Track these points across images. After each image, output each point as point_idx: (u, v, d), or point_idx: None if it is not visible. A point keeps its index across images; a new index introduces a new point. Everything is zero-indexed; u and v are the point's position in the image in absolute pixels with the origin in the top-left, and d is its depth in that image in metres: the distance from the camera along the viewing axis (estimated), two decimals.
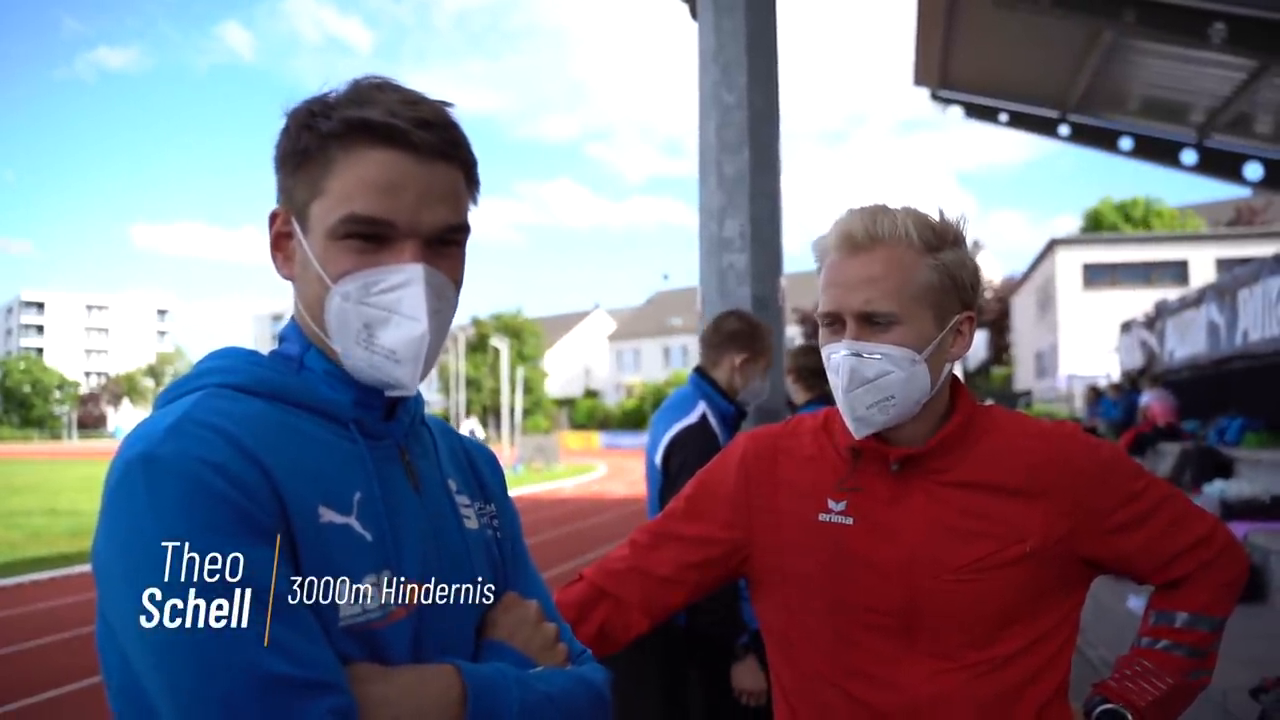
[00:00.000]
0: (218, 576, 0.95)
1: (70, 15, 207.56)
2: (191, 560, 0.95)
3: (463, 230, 1.20)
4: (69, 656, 7.87)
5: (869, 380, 1.58)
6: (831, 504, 1.68)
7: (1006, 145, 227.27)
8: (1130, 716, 1.67)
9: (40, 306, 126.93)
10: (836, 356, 1.60)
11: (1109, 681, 1.72)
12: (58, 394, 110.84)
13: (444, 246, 1.18)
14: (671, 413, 3.60)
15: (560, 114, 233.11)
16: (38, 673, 7.36)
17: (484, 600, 1.23)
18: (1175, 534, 1.70)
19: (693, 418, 3.54)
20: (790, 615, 1.72)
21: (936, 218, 1.63)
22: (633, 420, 63.00)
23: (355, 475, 1.13)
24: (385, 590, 1.10)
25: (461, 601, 1.20)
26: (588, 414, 69.47)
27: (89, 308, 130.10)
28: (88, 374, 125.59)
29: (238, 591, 0.96)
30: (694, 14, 5.04)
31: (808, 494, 1.71)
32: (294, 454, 1.08)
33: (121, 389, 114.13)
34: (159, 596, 0.94)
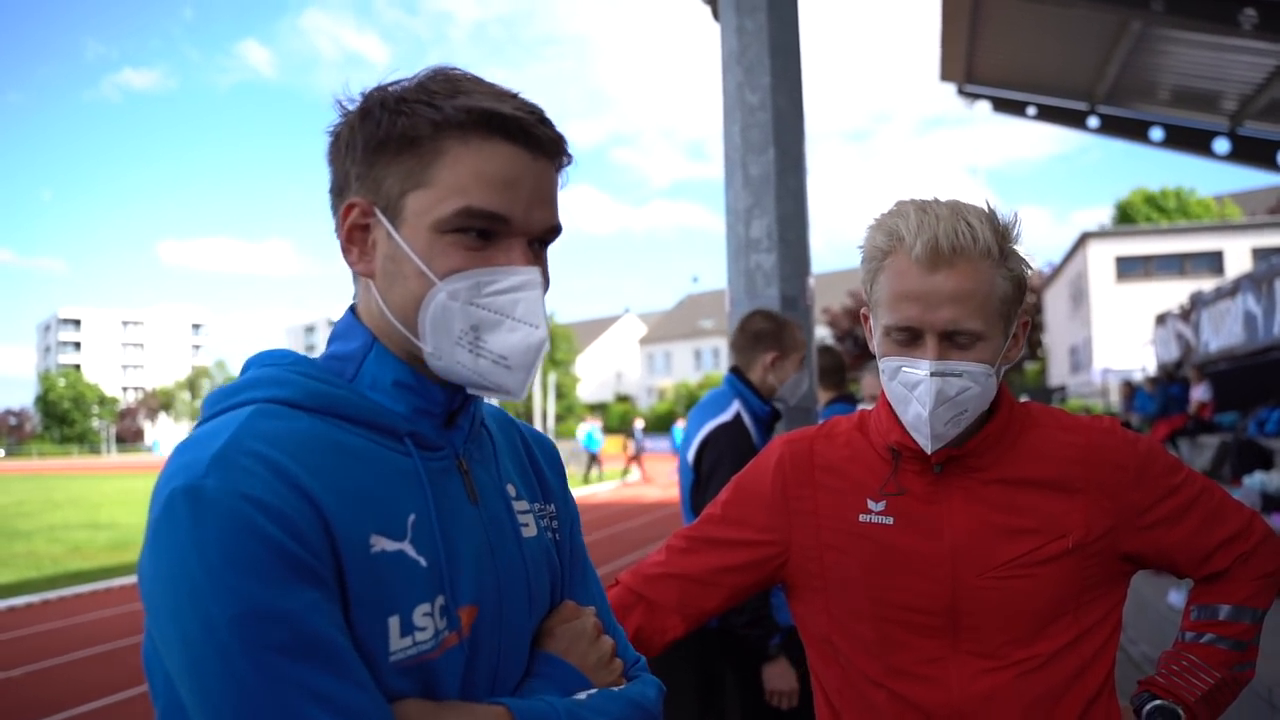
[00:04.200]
0: (262, 625, 0.91)
1: (93, 38, 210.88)
2: (236, 607, 0.90)
3: (559, 232, 1.17)
4: (111, 669, 7.96)
5: (950, 398, 1.55)
6: (871, 504, 1.67)
7: (1030, 140, 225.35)
8: (1181, 712, 1.65)
9: (77, 323, 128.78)
10: (915, 375, 1.55)
11: (1156, 677, 1.71)
12: (97, 409, 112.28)
13: (541, 249, 1.15)
14: (706, 411, 3.61)
15: (584, 120, 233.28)
16: (81, 685, 7.45)
17: (535, 613, 1.20)
18: (1213, 527, 1.68)
19: (726, 416, 3.54)
20: (832, 618, 1.72)
21: (1000, 219, 1.58)
22: (665, 424, 62.85)
23: (410, 495, 1.08)
24: (438, 619, 1.06)
25: (515, 620, 1.17)
26: (620, 418, 69.42)
27: (124, 323, 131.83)
28: (125, 389, 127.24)
29: (282, 640, 0.91)
30: (716, 16, 5.04)
31: (847, 496, 1.70)
32: (346, 479, 1.03)
33: (158, 403, 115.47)
34: (201, 642, 0.91)
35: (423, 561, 1.06)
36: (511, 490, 1.24)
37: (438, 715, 1.03)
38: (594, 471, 32.63)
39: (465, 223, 1.07)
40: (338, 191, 1.15)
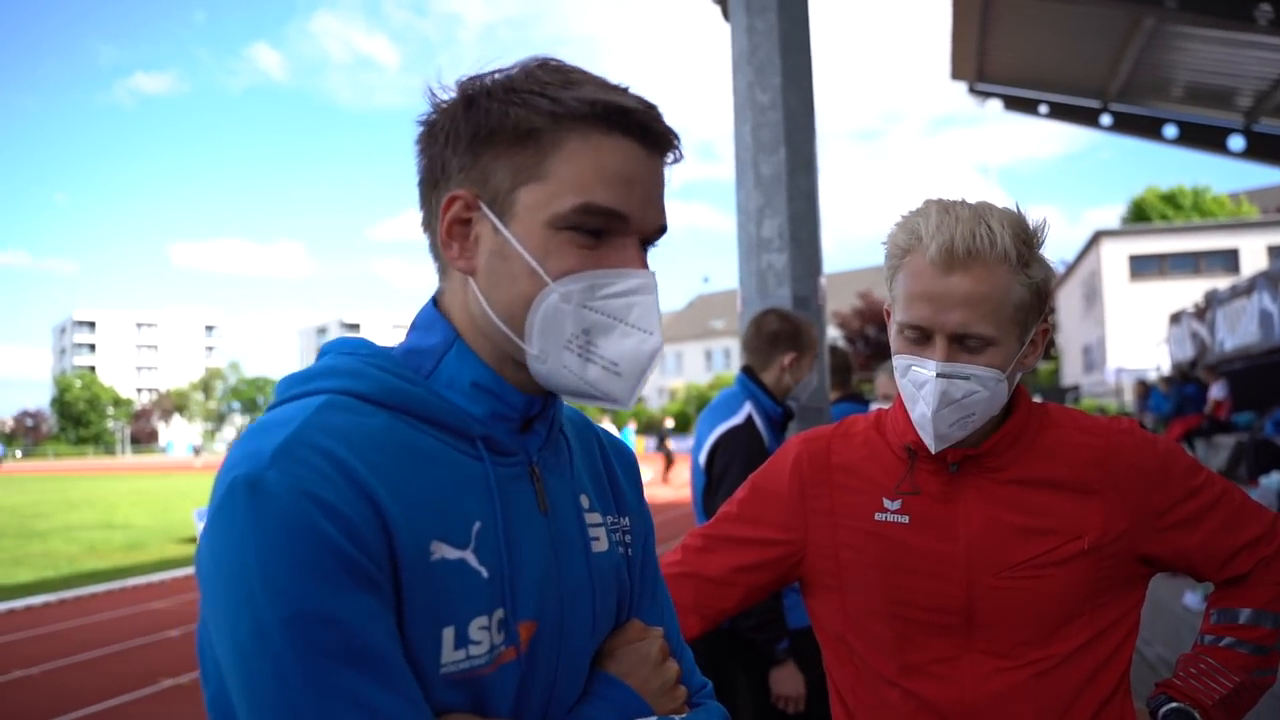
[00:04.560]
0: (313, 628, 0.88)
1: (106, 43, 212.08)
2: (288, 608, 0.88)
3: (665, 233, 1.11)
4: (126, 668, 8.00)
5: (956, 400, 1.55)
6: (887, 503, 1.67)
7: (1042, 139, 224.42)
8: (1198, 715, 1.64)
9: (92, 325, 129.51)
10: (923, 374, 1.56)
11: (1174, 680, 1.70)
12: (111, 410, 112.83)
13: (647, 251, 1.09)
14: (717, 413, 3.58)
15: None
16: (97, 684, 7.49)
17: (598, 631, 1.15)
18: (1234, 530, 1.67)
19: (738, 419, 3.51)
20: (848, 616, 1.72)
21: (1026, 224, 1.57)
22: (676, 424, 62.95)
23: (477, 501, 1.04)
24: (495, 633, 1.01)
25: (577, 638, 1.12)
26: (634, 418, 69.49)
27: (139, 325, 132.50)
28: (139, 390, 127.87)
29: (332, 646, 0.88)
30: (726, 16, 5.04)
31: (864, 495, 1.70)
32: (412, 482, 0.99)
33: (172, 404, 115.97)
34: (251, 639, 0.88)
35: (484, 572, 1.01)
36: (585, 501, 1.19)
37: None
38: None
39: (583, 220, 1.02)
40: (432, 183, 1.09)
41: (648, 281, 1.05)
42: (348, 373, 1.05)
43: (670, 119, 1.08)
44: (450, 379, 1.08)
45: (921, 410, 1.57)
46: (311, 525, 0.90)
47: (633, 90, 1.07)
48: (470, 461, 1.05)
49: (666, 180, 1.11)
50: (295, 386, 1.05)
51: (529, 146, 1.02)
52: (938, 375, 1.54)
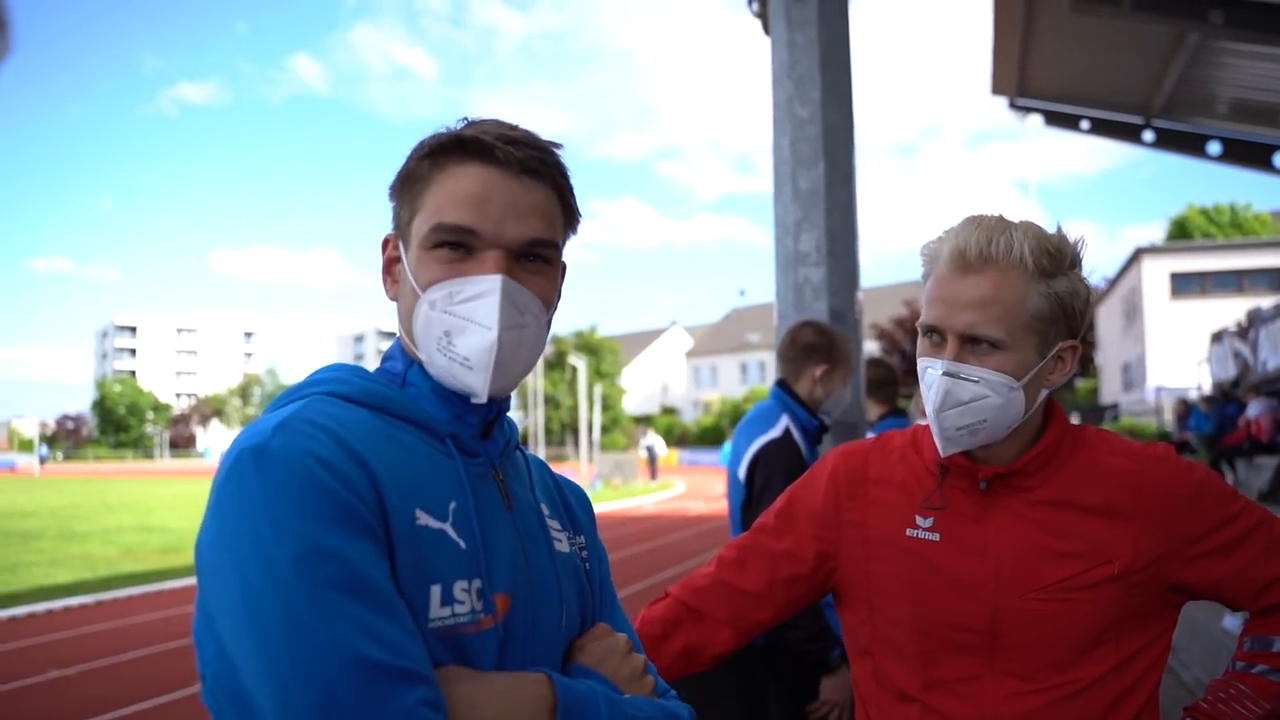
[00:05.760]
0: (321, 562, 0.98)
1: (151, 53, 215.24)
2: (298, 547, 0.97)
3: (551, 246, 1.23)
4: (163, 669, 8.09)
5: (962, 403, 1.56)
6: (919, 520, 1.67)
7: (1082, 154, 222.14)
8: None
9: (133, 330, 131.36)
10: (931, 373, 1.58)
11: (1201, 704, 1.68)
12: (151, 415, 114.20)
13: (531, 262, 1.21)
14: (755, 426, 3.59)
15: (630, 134, 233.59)
16: (134, 684, 7.58)
17: (566, 623, 1.25)
18: (1270, 560, 1.64)
19: (776, 432, 3.52)
20: (874, 629, 1.72)
21: (1055, 240, 1.58)
22: (710, 437, 62.78)
23: (451, 486, 1.16)
24: (475, 599, 1.11)
25: (547, 622, 1.21)
26: (665, 431, 69.36)
27: (179, 330, 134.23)
28: (178, 395, 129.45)
29: (338, 578, 0.98)
30: (766, 30, 5.05)
31: (896, 510, 1.70)
32: (394, 459, 1.11)
33: (211, 409, 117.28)
34: (261, 583, 0.97)
35: (462, 544, 1.13)
36: (545, 509, 1.31)
37: (479, 678, 1.08)
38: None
39: (440, 238, 1.18)
40: None
41: (492, 285, 1.16)
42: (331, 380, 1.21)
43: (541, 146, 1.21)
44: (418, 390, 1.23)
45: (929, 410, 1.59)
46: (314, 477, 1.02)
47: (515, 128, 1.22)
48: (442, 456, 1.19)
49: (554, 197, 1.23)
50: (286, 396, 1.20)
51: (414, 186, 1.22)
52: (943, 374, 1.56)
